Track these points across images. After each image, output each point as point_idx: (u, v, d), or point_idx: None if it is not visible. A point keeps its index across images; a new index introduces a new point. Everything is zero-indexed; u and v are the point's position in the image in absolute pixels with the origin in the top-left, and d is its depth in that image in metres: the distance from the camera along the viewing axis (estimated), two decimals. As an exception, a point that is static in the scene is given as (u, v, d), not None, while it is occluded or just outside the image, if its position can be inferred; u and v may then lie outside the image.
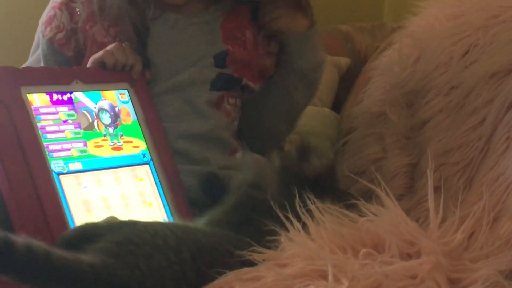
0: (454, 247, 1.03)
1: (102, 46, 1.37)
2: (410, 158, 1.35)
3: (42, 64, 1.44)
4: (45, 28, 1.43)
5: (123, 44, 1.36)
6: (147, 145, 1.32)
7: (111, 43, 1.36)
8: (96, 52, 1.36)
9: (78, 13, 1.41)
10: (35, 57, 1.49)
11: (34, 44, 1.51)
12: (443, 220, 1.09)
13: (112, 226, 1.06)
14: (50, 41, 1.42)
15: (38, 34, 1.48)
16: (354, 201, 1.18)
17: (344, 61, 2.03)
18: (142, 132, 1.31)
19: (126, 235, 1.03)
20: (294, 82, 1.47)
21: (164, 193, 1.29)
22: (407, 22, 1.66)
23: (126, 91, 1.34)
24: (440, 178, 1.22)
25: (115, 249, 1.01)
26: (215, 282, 1.04)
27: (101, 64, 1.34)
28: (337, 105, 1.98)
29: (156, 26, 1.41)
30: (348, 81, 1.97)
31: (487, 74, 1.31)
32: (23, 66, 1.46)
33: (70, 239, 1.05)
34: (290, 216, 1.12)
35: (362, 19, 2.24)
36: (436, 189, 1.18)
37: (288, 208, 1.13)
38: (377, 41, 1.95)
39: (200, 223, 1.17)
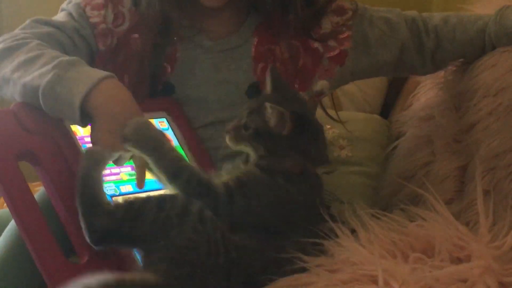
0: (504, 251, 1.02)
1: (135, 54, 1.38)
2: (460, 161, 1.33)
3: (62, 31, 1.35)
4: (92, 10, 1.39)
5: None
6: None
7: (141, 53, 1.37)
8: (130, 58, 1.37)
9: (124, 17, 1.39)
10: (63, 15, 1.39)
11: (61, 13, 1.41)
12: (493, 224, 1.08)
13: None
14: (93, 26, 1.38)
15: (76, 9, 1.40)
16: (403, 206, 1.19)
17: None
18: (186, 156, 1.32)
19: (183, 252, 1.06)
20: None
21: None
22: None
23: (164, 119, 1.37)
24: (491, 182, 1.21)
25: (175, 272, 1.05)
26: (267, 288, 1.06)
27: None
28: (386, 110, 1.98)
29: (187, 50, 1.40)
30: (396, 86, 1.97)
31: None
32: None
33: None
34: (339, 221, 1.13)
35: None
36: (487, 192, 1.18)
37: (336, 214, 1.15)
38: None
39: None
